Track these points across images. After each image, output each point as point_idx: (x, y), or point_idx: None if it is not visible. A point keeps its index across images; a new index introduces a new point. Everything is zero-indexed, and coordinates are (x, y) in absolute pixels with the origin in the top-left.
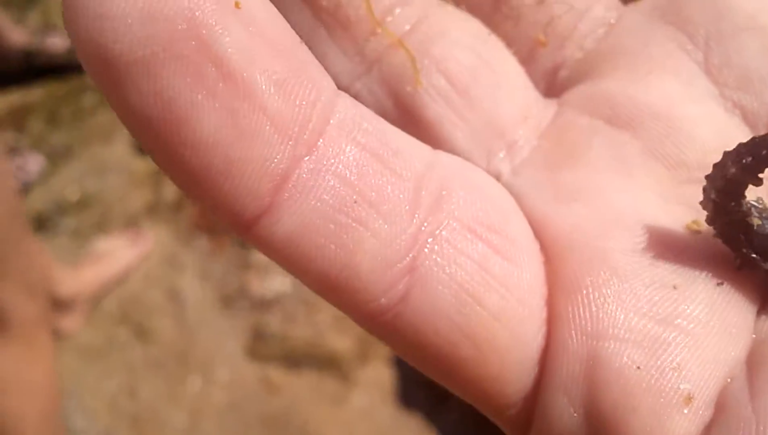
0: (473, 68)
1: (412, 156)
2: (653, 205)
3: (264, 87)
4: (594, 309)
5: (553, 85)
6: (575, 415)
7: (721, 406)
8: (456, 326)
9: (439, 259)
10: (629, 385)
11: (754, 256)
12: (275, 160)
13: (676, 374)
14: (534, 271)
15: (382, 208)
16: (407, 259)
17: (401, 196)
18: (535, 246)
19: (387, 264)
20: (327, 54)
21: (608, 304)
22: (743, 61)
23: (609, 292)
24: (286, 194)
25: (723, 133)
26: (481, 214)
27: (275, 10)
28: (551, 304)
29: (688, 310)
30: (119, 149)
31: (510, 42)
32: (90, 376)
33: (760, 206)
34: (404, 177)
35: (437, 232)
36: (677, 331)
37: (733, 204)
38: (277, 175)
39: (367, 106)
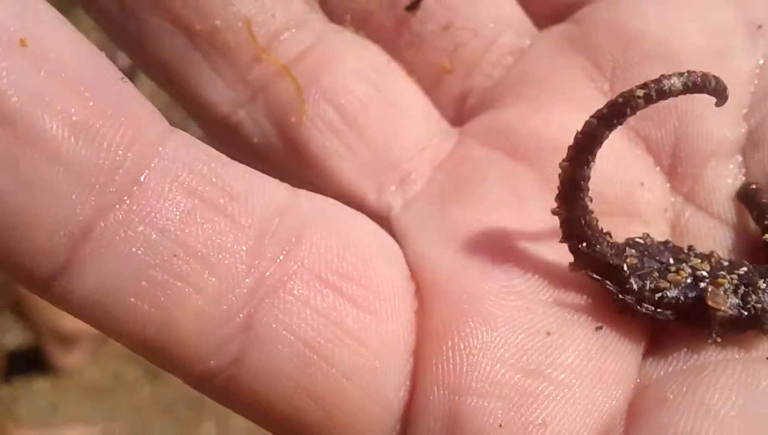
0: (366, 98)
1: (257, 200)
2: (544, 241)
3: (56, 131)
4: (458, 361)
5: (461, 113)
6: None
7: None
8: (300, 388)
9: (280, 314)
10: None
11: (627, 298)
12: (73, 212)
13: (541, 431)
14: (399, 320)
15: (211, 261)
16: (241, 316)
17: (236, 246)
18: (406, 292)
19: (216, 323)
20: (205, 82)
21: (473, 356)
22: None
23: (476, 342)
24: (89, 250)
25: (624, 164)
26: (337, 262)
27: (86, 45)
28: (418, 355)
29: (560, 359)
30: None
31: (414, 69)
32: (95, 416)
33: (643, 242)
34: (243, 224)
35: (280, 284)
36: (546, 382)
37: (580, 196)
38: (75, 228)
39: (250, 137)
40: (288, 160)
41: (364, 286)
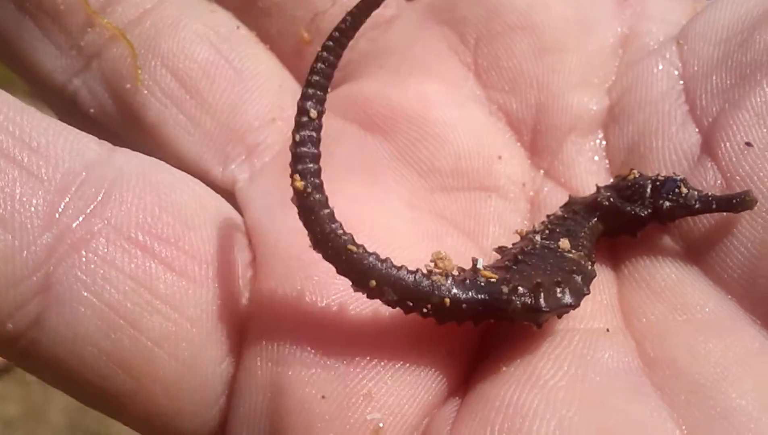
0: (209, 65)
1: (61, 153)
2: (397, 214)
3: None
4: (284, 332)
5: None
6: None
7: None
8: (105, 355)
9: (82, 274)
10: (311, 417)
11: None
12: None
13: (365, 402)
14: (224, 288)
15: (5, 217)
16: (38, 275)
17: (34, 200)
18: (237, 260)
19: (10, 282)
20: (37, 49)
21: (298, 326)
22: (512, 63)
23: (304, 311)
24: None
25: (483, 138)
26: (150, 222)
27: None
28: (248, 326)
29: (393, 332)
30: None
31: (271, 39)
32: None
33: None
34: (41, 177)
35: (83, 242)
36: (376, 354)
37: None
38: None
39: (87, 107)
40: (127, 130)
41: (181, 249)
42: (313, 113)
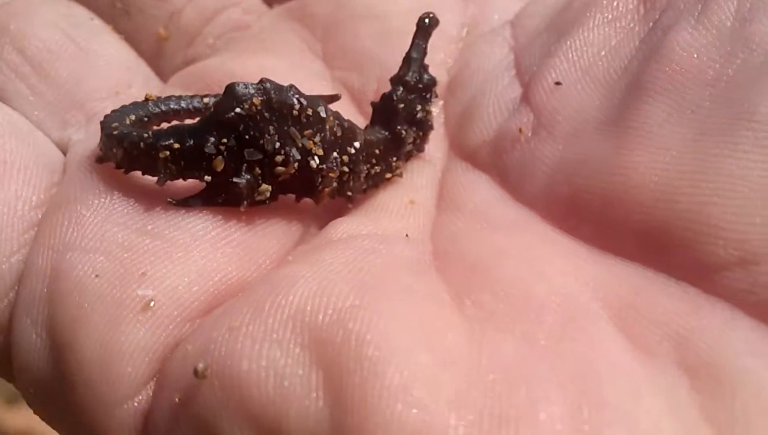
0: (57, 46)
1: None
2: None
3: None
4: (67, 222)
5: None
6: (38, 338)
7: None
8: None
9: None
10: (85, 295)
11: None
12: None
13: (136, 281)
14: (24, 184)
15: None
16: None
17: None
18: (40, 174)
19: None
20: None
21: (83, 216)
22: (357, 45)
23: (92, 203)
24: None
25: None
26: None
27: None
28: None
29: (184, 223)
30: None
31: (133, 39)
32: None
33: None
34: None
35: None
36: (160, 241)
37: None
38: None
39: None
40: None
41: None
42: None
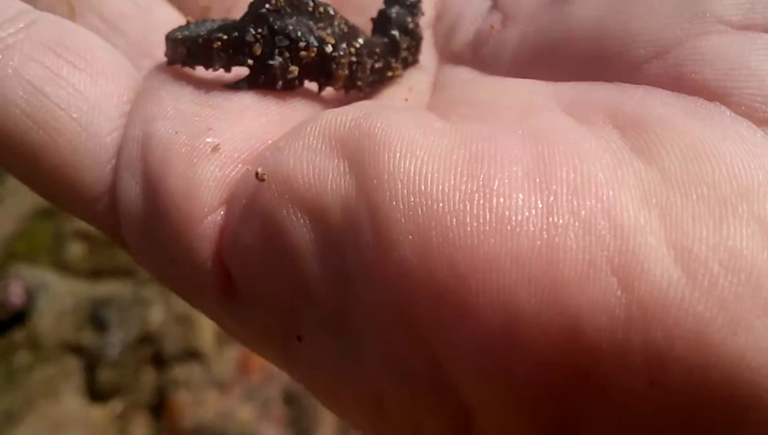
0: (128, 11)
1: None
2: None
3: None
4: (151, 103)
5: None
6: (136, 185)
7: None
8: (24, 114)
9: (6, 59)
10: (169, 145)
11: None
12: None
13: (205, 133)
14: (116, 85)
15: None
16: None
17: None
18: (127, 76)
19: None
20: None
21: (163, 97)
22: None
23: (169, 89)
24: None
25: None
26: (64, 41)
27: None
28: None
29: (231, 97)
30: (71, 402)
31: (182, 7)
32: None
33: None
34: None
35: (9, 46)
36: (218, 109)
37: None
38: None
39: None
40: None
41: (84, 58)
42: None
